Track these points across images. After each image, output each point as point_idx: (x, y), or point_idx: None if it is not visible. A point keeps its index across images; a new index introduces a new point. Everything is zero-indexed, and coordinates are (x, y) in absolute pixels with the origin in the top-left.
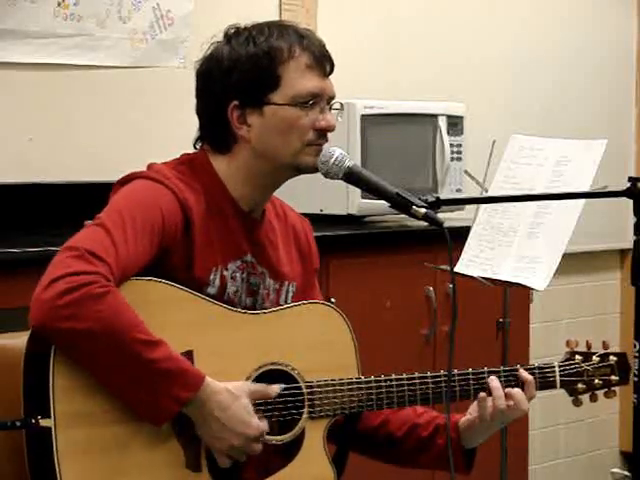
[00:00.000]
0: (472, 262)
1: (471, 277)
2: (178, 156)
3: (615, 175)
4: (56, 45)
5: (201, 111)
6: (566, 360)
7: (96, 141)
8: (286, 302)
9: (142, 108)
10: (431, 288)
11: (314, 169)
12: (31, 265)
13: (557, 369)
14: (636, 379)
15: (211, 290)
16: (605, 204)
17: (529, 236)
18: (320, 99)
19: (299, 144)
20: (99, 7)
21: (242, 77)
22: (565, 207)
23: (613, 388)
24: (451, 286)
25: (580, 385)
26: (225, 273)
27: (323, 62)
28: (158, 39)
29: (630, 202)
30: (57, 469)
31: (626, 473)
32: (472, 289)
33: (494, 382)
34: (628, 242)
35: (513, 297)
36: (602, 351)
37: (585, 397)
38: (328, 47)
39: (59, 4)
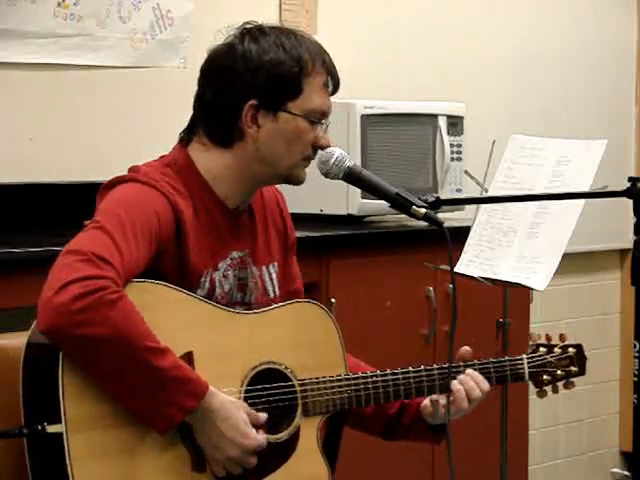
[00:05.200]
0: (472, 262)
1: (471, 277)
2: (158, 157)
3: (615, 175)
4: (56, 45)
5: (210, 101)
6: (532, 352)
7: (96, 141)
8: (272, 284)
9: (142, 108)
10: (431, 288)
11: (301, 183)
12: (31, 265)
13: (525, 361)
14: (636, 379)
15: (200, 292)
16: (605, 204)
17: (529, 236)
18: (326, 118)
19: (299, 157)
20: (99, 7)
21: (268, 79)
22: (565, 207)
23: (572, 379)
24: (451, 286)
25: (545, 376)
26: (214, 275)
27: (336, 83)
28: (158, 39)
29: (630, 202)
30: (70, 475)
31: (626, 473)
32: (472, 289)
33: (455, 385)
34: (628, 242)
35: (513, 297)
36: (561, 343)
37: (548, 388)
38: (328, 47)
39: (59, 4)
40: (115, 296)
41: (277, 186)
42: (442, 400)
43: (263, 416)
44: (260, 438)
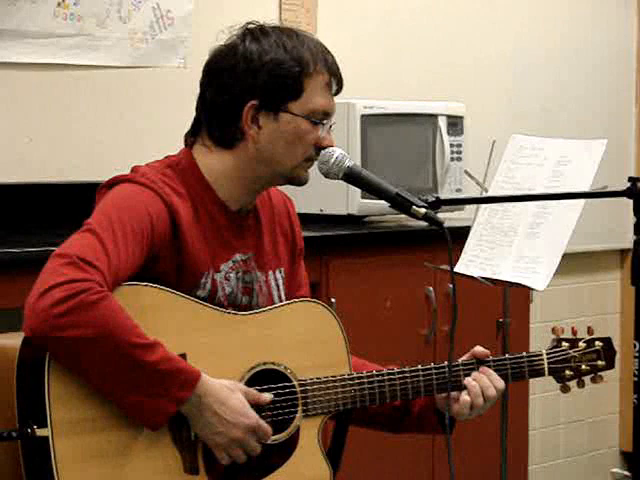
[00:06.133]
0: (472, 262)
1: (471, 277)
2: (162, 158)
3: (615, 175)
4: (56, 45)
5: (212, 102)
6: (553, 347)
7: (96, 141)
8: (278, 290)
9: (142, 108)
10: (431, 288)
11: (304, 183)
12: (31, 265)
13: (545, 357)
14: (636, 379)
15: (201, 293)
16: (605, 204)
17: (529, 236)
18: (329, 118)
19: (301, 157)
20: (99, 7)
21: (269, 79)
22: (565, 207)
23: (600, 373)
24: (451, 286)
25: (568, 372)
26: (216, 277)
27: (339, 83)
28: (158, 39)
29: (630, 202)
30: (56, 478)
31: (626, 473)
32: (472, 289)
33: (470, 382)
34: (628, 242)
35: (513, 297)
36: (588, 337)
37: (572, 383)
38: (328, 47)
39: (59, 4)
40: (97, 297)
41: (279, 187)
42: (465, 396)
43: (267, 396)
44: (261, 421)
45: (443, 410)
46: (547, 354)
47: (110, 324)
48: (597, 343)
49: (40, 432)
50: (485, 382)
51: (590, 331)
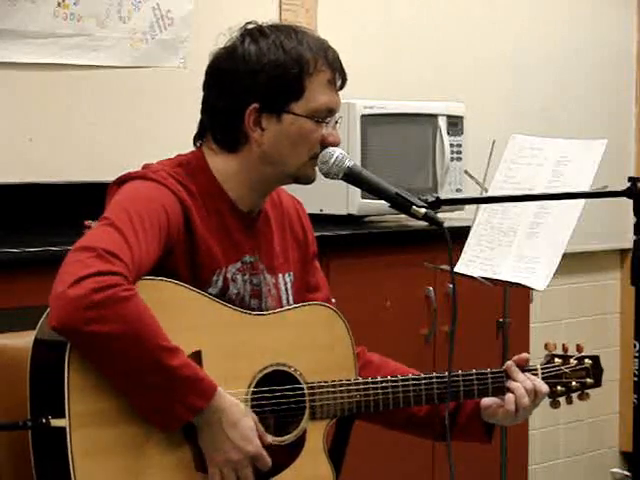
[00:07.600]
0: (472, 262)
1: (471, 277)
2: (173, 157)
3: (615, 175)
4: (56, 45)
5: (213, 106)
6: (547, 363)
7: (96, 141)
8: (287, 294)
9: (142, 108)
10: (431, 288)
11: (312, 182)
12: (31, 265)
13: (540, 372)
14: (636, 379)
15: (212, 290)
16: (605, 204)
17: (529, 236)
18: (333, 115)
19: (306, 157)
20: (99, 7)
21: (269, 82)
22: (565, 207)
23: (587, 391)
24: (451, 286)
25: (559, 387)
26: (228, 275)
27: (342, 79)
28: (158, 39)
29: (630, 202)
30: (71, 469)
31: (626, 473)
32: (472, 289)
33: (512, 384)
34: (628, 242)
35: (513, 297)
36: (578, 354)
37: (562, 399)
38: None
39: (59, 4)
40: (128, 293)
41: (285, 187)
42: (509, 394)
43: (269, 438)
44: (265, 453)
45: (488, 420)
46: (542, 369)
47: (138, 323)
48: (586, 361)
49: (55, 423)
50: (528, 385)
51: (579, 348)
